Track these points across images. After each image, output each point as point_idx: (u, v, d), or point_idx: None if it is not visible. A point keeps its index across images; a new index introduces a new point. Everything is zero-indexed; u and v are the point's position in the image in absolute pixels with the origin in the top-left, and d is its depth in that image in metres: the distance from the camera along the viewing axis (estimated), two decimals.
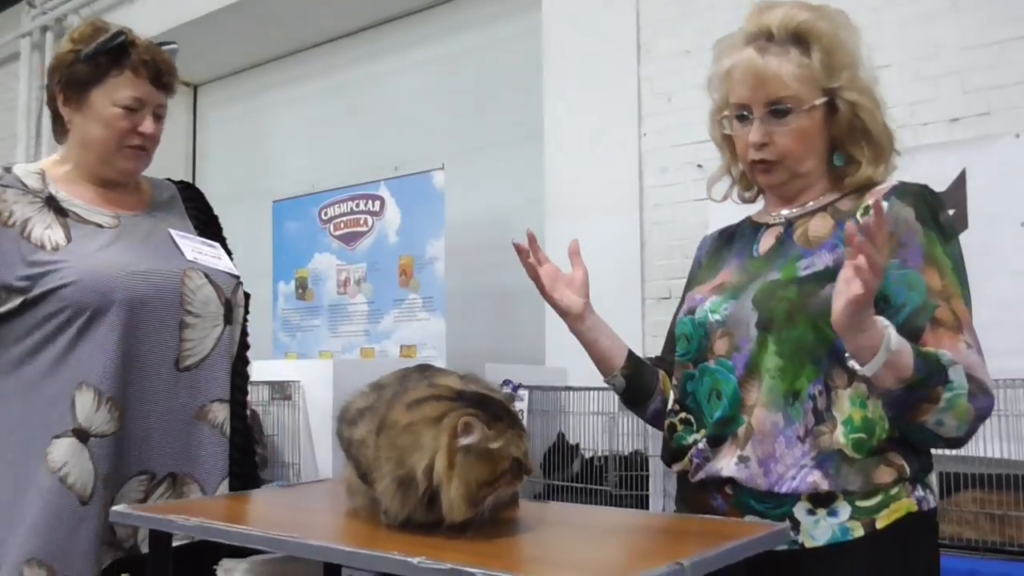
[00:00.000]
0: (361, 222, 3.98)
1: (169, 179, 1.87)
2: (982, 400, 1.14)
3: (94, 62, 1.60)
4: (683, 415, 1.35)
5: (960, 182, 2.72)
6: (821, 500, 1.18)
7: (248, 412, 1.78)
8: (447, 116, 4.39)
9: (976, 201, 2.68)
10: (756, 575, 1.00)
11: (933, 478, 1.24)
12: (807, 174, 1.32)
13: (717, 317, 1.30)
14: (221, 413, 1.63)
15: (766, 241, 1.36)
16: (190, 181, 1.98)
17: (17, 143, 5.72)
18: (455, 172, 3.81)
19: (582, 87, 3.58)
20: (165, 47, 1.69)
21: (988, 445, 2.35)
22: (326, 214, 4.12)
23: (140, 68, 1.61)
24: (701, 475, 1.28)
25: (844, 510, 1.18)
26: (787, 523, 1.14)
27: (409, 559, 0.85)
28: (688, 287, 1.49)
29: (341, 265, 4.06)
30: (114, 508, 1.21)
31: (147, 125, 1.63)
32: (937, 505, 1.25)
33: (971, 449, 2.36)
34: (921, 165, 2.76)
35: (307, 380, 3.22)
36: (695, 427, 1.33)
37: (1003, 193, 2.64)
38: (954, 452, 2.36)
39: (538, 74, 3.72)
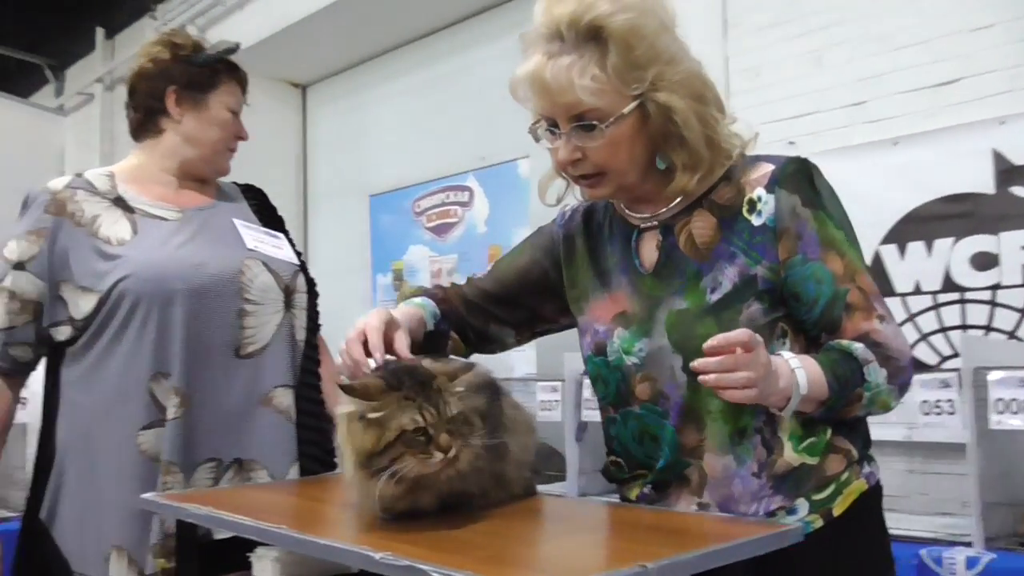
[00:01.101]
0: (451, 213, 4.02)
1: (235, 183, 1.95)
2: (903, 376, 1.16)
3: (211, 69, 1.73)
4: (612, 458, 1.30)
5: None
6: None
7: (323, 396, 1.79)
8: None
9: None
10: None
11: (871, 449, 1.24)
12: (636, 184, 1.21)
13: (634, 360, 1.21)
14: (286, 399, 1.67)
15: (646, 251, 1.25)
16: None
17: None
18: (541, 161, 3.77)
19: None
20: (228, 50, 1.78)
21: None
22: (419, 207, 4.18)
23: (239, 78, 1.78)
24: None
25: (802, 507, 1.16)
26: (800, 525, 1.06)
27: (371, 553, 0.84)
28: (568, 283, 1.35)
29: (433, 256, 4.11)
30: (142, 496, 1.26)
31: (244, 130, 1.78)
32: (879, 475, 1.24)
33: None
34: None
35: None
36: (626, 468, 1.28)
37: None
38: None
39: None
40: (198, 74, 1.71)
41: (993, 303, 2.63)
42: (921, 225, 2.71)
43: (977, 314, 2.64)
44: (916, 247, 2.72)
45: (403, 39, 5.24)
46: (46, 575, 1.58)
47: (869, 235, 2.70)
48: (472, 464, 1.07)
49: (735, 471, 1.16)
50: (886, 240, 2.76)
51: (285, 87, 6.16)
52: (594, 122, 1.13)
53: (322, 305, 1.85)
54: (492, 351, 1.46)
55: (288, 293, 1.70)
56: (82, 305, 1.59)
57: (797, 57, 3.09)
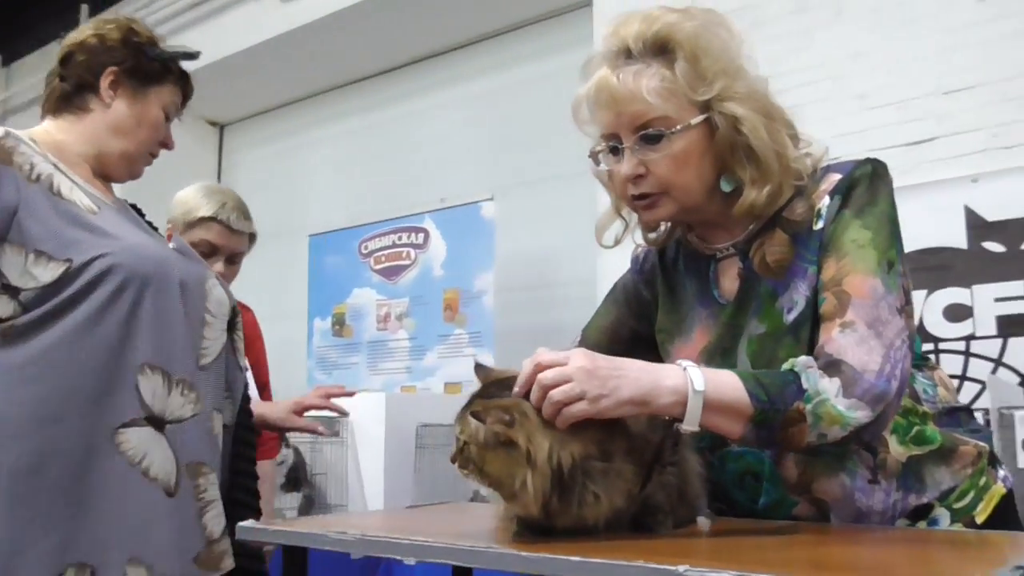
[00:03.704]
0: (404, 255, 3.86)
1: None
2: (861, 388, 0.98)
3: (162, 65, 1.57)
4: (716, 505, 1.19)
5: None
6: (919, 514, 1.11)
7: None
8: (497, 150, 4.31)
9: None
10: None
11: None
12: (700, 206, 1.15)
13: None
14: (218, 423, 1.49)
15: (727, 280, 1.20)
16: None
17: None
18: (505, 206, 3.71)
19: None
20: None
21: None
22: (366, 248, 4.00)
23: (185, 88, 1.62)
24: None
25: (944, 517, 1.10)
26: None
27: (674, 568, 0.71)
28: (656, 327, 1.29)
29: (382, 300, 3.93)
30: (241, 524, 1.06)
31: (171, 139, 1.61)
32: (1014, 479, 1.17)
33: None
34: (1005, 190, 2.74)
35: (356, 416, 3.06)
36: (730, 515, 1.19)
37: None
38: None
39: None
40: (145, 65, 1.55)
41: (967, 353, 2.72)
42: None
43: (952, 364, 2.72)
44: None
45: (339, 82, 5.14)
46: None
47: None
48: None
49: (852, 486, 1.09)
50: None
51: (202, 125, 5.90)
52: (661, 130, 1.09)
53: None
54: None
55: (234, 314, 1.56)
56: (38, 273, 1.33)
57: None
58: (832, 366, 1.00)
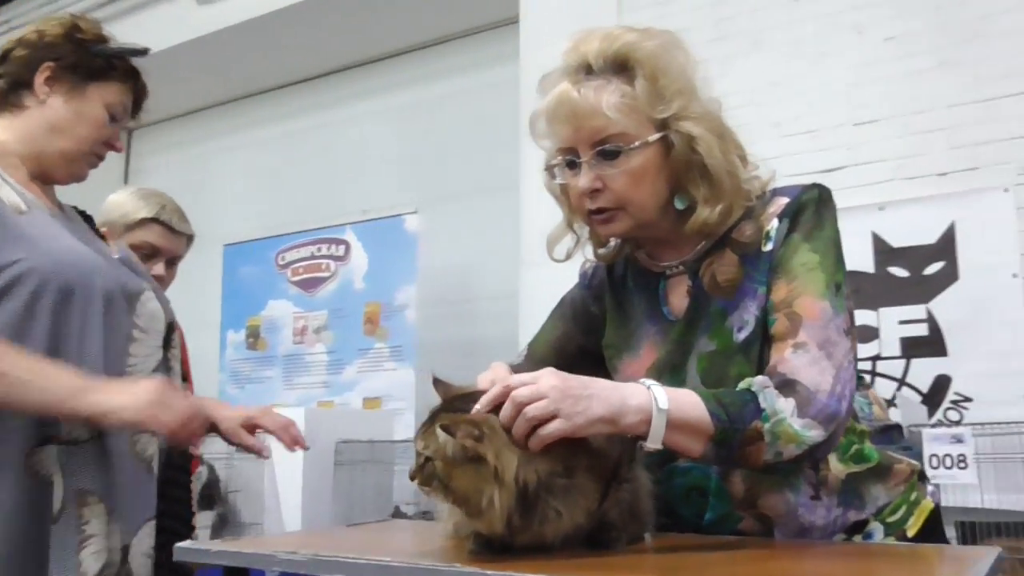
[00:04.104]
0: (323, 267, 3.80)
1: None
2: (815, 408, 1.01)
3: (106, 61, 1.49)
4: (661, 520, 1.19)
5: (949, 235, 2.78)
6: (855, 528, 1.15)
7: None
8: (422, 162, 4.29)
9: (967, 254, 2.73)
10: None
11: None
12: (654, 222, 1.18)
13: None
14: (151, 447, 1.42)
15: (675, 298, 1.22)
16: None
17: None
18: (429, 218, 3.69)
19: None
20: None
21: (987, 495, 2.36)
22: (284, 259, 3.92)
23: (137, 88, 1.53)
24: None
25: (878, 531, 1.15)
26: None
27: None
28: (604, 342, 1.30)
29: (299, 312, 3.85)
30: (179, 545, 1.02)
31: (119, 141, 1.52)
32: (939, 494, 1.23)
33: (980, 500, 2.36)
34: (909, 218, 2.89)
35: None
36: (672, 529, 1.20)
37: (994, 246, 2.70)
38: (964, 504, 2.40)
39: (515, 124, 3.67)
40: (87, 60, 1.48)
41: (873, 373, 2.85)
42: None
43: None
44: None
45: (255, 89, 5.03)
46: None
47: None
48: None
49: (796, 502, 1.12)
50: None
51: None
52: (619, 145, 1.11)
53: None
54: None
55: (170, 331, 1.48)
56: None
57: None
58: (787, 386, 1.02)
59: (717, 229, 1.17)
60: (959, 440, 2.12)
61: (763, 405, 1.00)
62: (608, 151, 1.11)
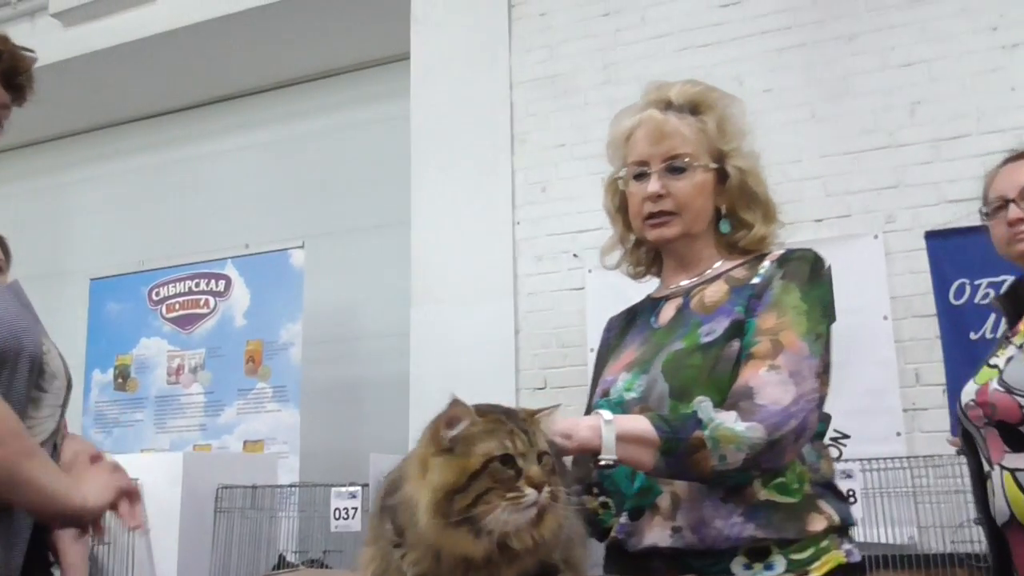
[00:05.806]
0: (201, 303, 3.63)
1: None
2: (760, 413, 1.13)
3: None
4: (603, 498, 1.32)
5: None
6: (758, 554, 1.19)
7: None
8: (309, 196, 4.19)
9: (841, 296, 2.84)
10: None
11: (854, 533, 1.30)
12: (699, 236, 1.36)
13: (633, 395, 1.28)
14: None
15: (666, 312, 1.38)
16: None
17: None
18: (316, 254, 3.60)
19: (451, 175, 3.54)
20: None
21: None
22: (158, 294, 3.72)
23: (17, 82, 1.34)
24: (637, 547, 1.24)
25: (779, 563, 1.19)
26: None
27: None
28: (597, 371, 1.47)
29: (173, 351, 3.65)
30: None
31: None
32: (862, 559, 1.28)
33: (864, 535, 2.47)
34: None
35: (149, 478, 2.79)
36: (613, 509, 1.30)
37: (866, 289, 2.87)
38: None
39: (406, 159, 3.64)
40: None
41: None
42: None
43: None
44: None
45: (123, 118, 4.82)
46: None
47: None
48: (556, 529, 0.96)
49: (706, 494, 1.19)
50: None
51: None
52: (686, 162, 1.33)
53: None
54: None
55: (68, 390, 1.30)
56: None
57: (583, 176, 3.34)
58: (743, 396, 1.14)
59: (760, 246, 1.35)
60: (848, 475, 2.22)
61: (701, 416, 1.13)
62: (676, 166, 1.33)
